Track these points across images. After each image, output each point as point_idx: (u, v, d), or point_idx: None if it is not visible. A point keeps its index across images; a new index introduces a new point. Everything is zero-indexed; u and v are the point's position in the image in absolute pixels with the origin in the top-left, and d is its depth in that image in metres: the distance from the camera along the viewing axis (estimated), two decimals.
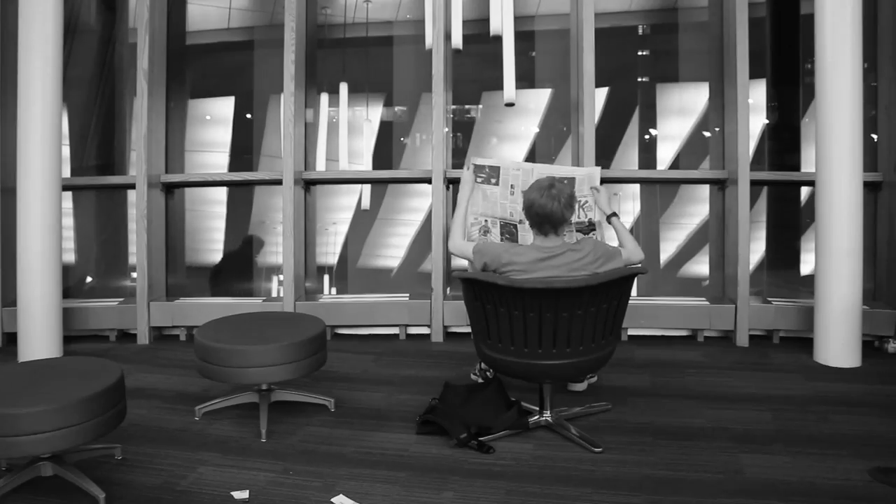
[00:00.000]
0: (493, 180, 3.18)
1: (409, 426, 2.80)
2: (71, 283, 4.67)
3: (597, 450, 2.54)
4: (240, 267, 5.23)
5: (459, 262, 4.18)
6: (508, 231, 3.19)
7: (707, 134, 4.70)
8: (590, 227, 3.14)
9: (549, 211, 2.59)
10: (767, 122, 4.73)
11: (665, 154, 4.94)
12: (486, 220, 3.19)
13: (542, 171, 3.17)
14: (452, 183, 4.38)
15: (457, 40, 3.40)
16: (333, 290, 5.46)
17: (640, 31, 5.20)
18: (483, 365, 3.28)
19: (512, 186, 3.17)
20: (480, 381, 3.26)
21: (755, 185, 4.20)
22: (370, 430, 2.78)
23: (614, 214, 2.91)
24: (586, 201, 3.12)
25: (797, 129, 4.68)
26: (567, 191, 2.64)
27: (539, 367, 2.55)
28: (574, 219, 3.09)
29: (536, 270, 2.56)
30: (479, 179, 3.18)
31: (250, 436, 2.72)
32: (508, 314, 2.50)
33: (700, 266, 4.80)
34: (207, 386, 3.26)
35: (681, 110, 4.90)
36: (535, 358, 2.53)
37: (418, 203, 5.20)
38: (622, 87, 5.06)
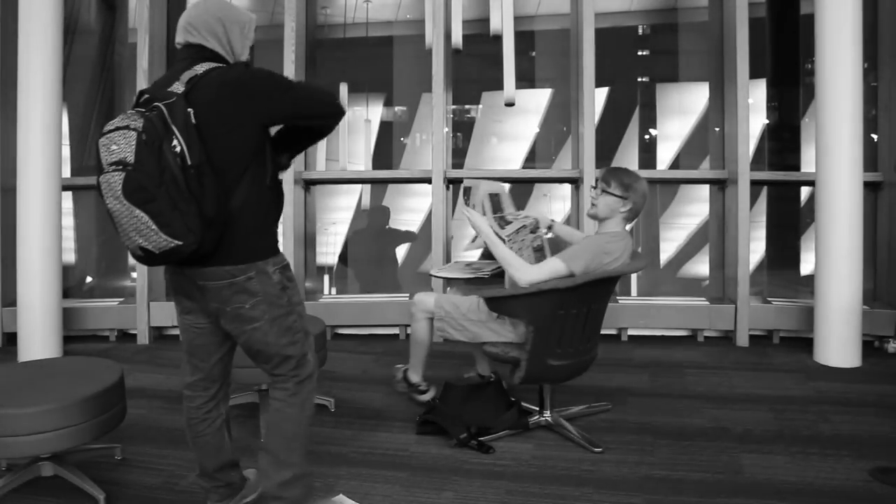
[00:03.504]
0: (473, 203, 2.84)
1: (409, 426, 2.80)
2: (71, 283, 4.67)
3: (597, 450, 2.54)
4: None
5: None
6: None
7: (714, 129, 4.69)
8: (535, 228, 2.93)
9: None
10: (767, 122, 4.73)
11: (665, 154, 4.94)
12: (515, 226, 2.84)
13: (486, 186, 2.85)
14: (452, 183, 4.38)
15: (457, 40, 3.40)
16: (333, 290, 5.47)
17: (640, 31, 5.21)
18: (480, 369, 3.21)
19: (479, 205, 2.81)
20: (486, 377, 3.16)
21: (755, 185, 4.20)
22: (370, 430, 2.79)
23: (552, 221, 2.95)
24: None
25: (797, 129, 4.68)
26: None
27: (587, 361, 2.68)
28: (511, 229, 2.77)
29: (624, 258, 2.55)
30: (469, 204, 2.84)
31: (250, 436, 2.72)
32: (577, 313, 2.51)
33: (700, 266, 4.80)
34: None
35: (681, 110, 4.91)
36: (585, 354, 2.65)
37: (418, 203, 5.20)
38: (622, 87, 5.07)
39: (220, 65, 1.80)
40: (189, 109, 1.68)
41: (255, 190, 1.80)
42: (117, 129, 1.67)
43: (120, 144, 1.65)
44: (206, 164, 1.68)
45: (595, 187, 2.59)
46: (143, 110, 1.69)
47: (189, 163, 1.65)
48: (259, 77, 1.79)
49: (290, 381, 1.93)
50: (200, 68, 1.77)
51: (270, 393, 1.97)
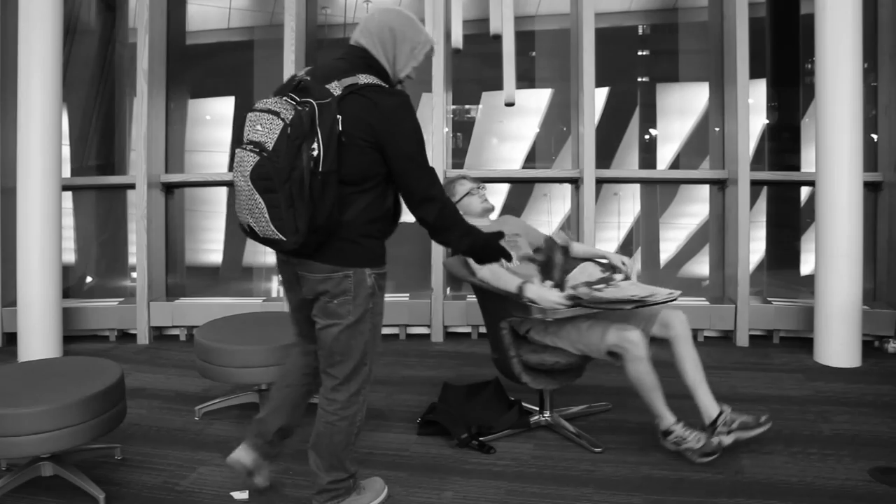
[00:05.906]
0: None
1: (409, 426, 2.80)
2: (71, 283, 4.67)
3: (597, 450, 2.55)
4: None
5: None
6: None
7: (714, 129, 4.69)
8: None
9: None
10: (767, 122, 4.73)
11: (665, 154, 4.93)
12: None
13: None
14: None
15: (457, 40, 3.40)
16: None
17: (640, 31, 5.20)
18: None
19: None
20: None
21: (755, 185, 4.20)
22: (370, 430, 2.78)
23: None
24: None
25: (797, 129, 4.68)
26: None
27: None
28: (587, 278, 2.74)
29: None
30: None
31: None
32: None
33: (700, 266, 4.79)
34: (207, 386, 3.26)
35: (681, 110, 4.90)
36: None
37: None
38: (622, 87, 5.05)
39: (381, 83, 1.85)
40: (338, 116, 1.74)
41: (377, 204, 1.88)
42: (269, 111, 1.74)
43: (265, 127, 1.72)
44: (335, 173, 1.74)
45: (481, 187, 2.89)
46: (297, 100, 1.74)
47: (320, 169, 1.71)
48: (405, 131, 1.83)
49: (339, 391, 1.97)
50: (363, 79, 1.82)
51: (320, 403, 2.01)
